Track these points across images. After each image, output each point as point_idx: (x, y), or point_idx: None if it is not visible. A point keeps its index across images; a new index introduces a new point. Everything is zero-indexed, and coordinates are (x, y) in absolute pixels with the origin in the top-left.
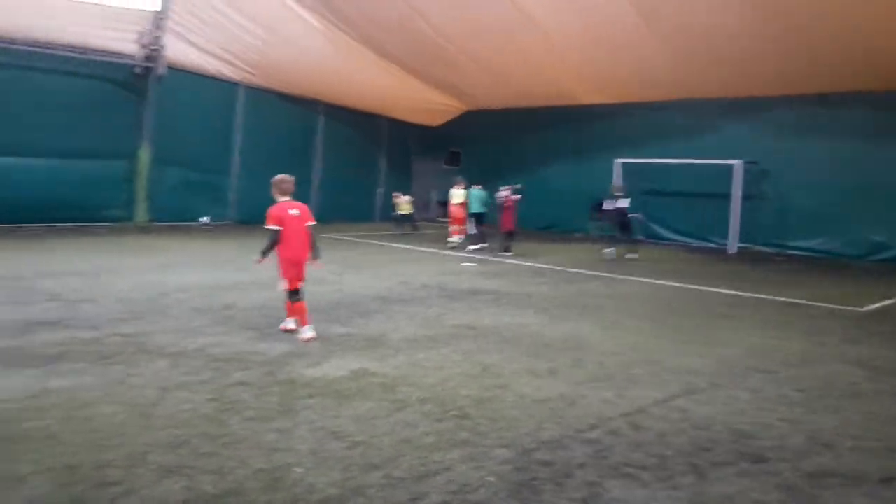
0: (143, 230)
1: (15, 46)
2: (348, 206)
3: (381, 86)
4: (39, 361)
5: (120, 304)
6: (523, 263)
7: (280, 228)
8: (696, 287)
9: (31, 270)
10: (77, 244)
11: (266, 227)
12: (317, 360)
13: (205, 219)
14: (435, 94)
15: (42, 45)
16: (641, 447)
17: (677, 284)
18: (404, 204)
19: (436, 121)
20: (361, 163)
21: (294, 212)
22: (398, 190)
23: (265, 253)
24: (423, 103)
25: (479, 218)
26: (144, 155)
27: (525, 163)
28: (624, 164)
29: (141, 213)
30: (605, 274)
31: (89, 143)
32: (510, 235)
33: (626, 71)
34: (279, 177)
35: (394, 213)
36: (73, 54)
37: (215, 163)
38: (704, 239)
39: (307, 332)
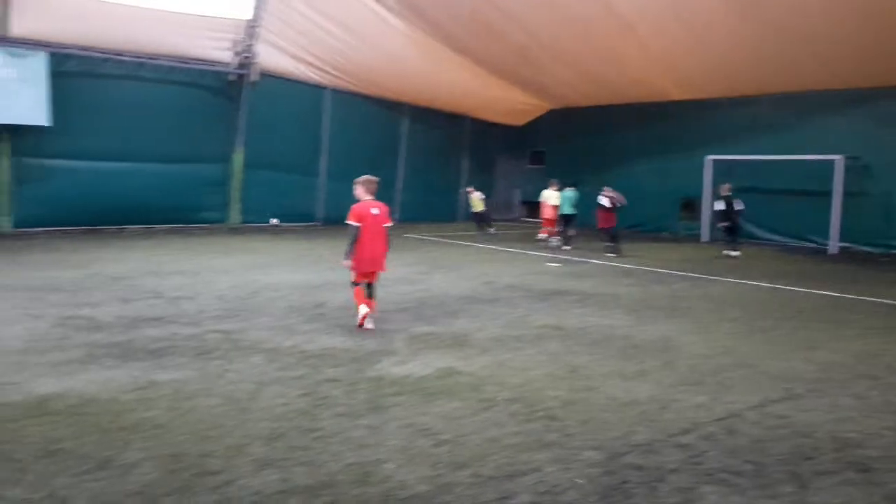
0: (236, 231)
1: (124, 58)
2: (432, 206)
3: (464, 86)
4: (145, 356)
5: (217, 301)
6: (610, 264)
7: (360, 225)
8: (793, 288)
9: (136, 270)
10: (176, 245)
11: (347, 222)
12: (404, 358)
13: (274, 220)
14: (519, 93)
15: (147, 55)
16: (737, 453)
17: (774, 285)
18: (476, 200)
19: (519, 120)
20: (445, 163)
21: (374, 210)
22: (473, 186)
23: (349, 251)
24: (507, 103)
25: (567, 220)
26: (238, 159)
27: (610, 161)
28: (715, 161)
29: (234, 215)
30: (696, 274)
31: (188, 149)
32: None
33: (717, 65)
34: (364, 177)
35: (471, 212)
36: (174, 63)
37: (304, 165)
38: (803, 238)
39: (368, 324)
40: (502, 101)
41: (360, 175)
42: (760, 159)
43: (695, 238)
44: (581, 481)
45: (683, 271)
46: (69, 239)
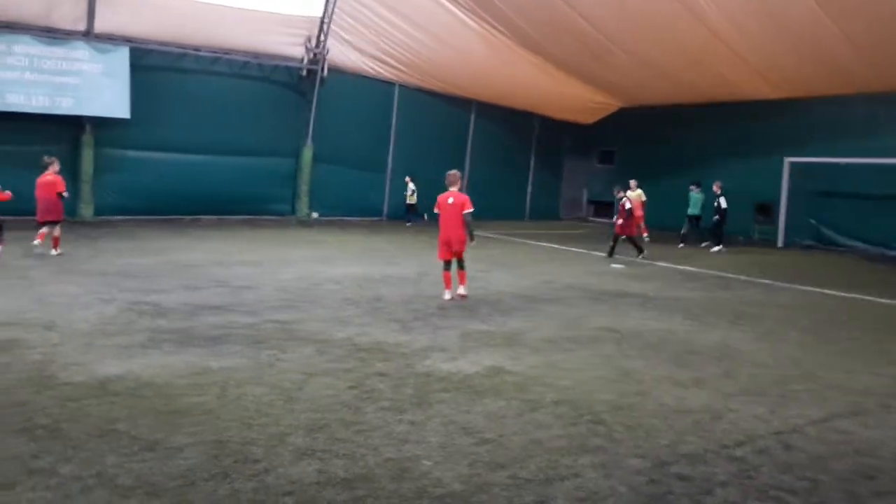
0: (304, 224)
1: (201, 53)
2: (498, 203)
3: (534, 84)
4: (203, 342)
5: (278, 292)
6: (675, 266)
7: (439, 213)
8: (871, 299)
9: (205, 259)
10: (245, 236)
11: (434, 211)
12: (454, 355)
13: (315, 214)
14: (589, 91)
15: (223, 51)
16: (793, 469)
17: (850, 295)
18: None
19: (589, 118)
20: (512, 161)
21: (451, 200)
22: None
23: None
24: (577, 101)
25: (694, 221)
26: (307, 153)
27: (683, 161)
28: (794, 163)
29: (302, 207)
30: (766, 280)
31: (259, 142)
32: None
33: (800, 62)
34: (449, 171)
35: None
36: (248, 59)
37: (371, 160)
38: (886, 246)
39: (445, 295)
40: (572, 99)
41: (427, 171)
42: (849, 162)
43: (770, 242)
44: (622, 489)
45: (753, 276)
46: (146, 227)
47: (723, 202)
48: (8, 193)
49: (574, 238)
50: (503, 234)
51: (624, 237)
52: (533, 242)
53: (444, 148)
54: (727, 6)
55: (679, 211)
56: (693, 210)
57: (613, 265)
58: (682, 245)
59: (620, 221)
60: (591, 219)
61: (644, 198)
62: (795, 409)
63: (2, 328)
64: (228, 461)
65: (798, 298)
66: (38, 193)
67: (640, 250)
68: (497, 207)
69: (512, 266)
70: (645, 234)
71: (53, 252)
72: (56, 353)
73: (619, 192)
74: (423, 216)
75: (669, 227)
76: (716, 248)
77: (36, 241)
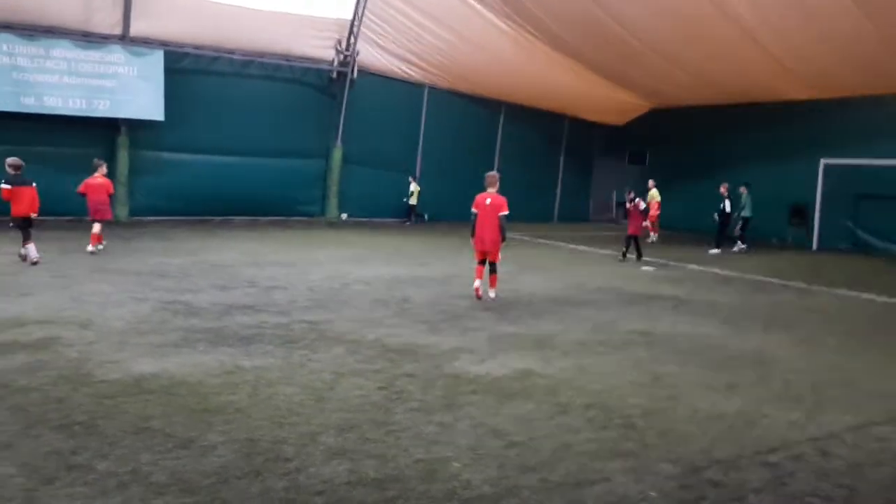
0: (333, 225)
1: (234, 56)
2: (527, 206)
3: (564, 85)
4: (235, 342)
5: (308, 292)
6: (708, 270)
7: (476, 212)
8: None
9: (237, 259)
10: (276, 236)
11: (472, 209)
12: (483, 357)
13: (344, 215)
14: (620, 92)
15: (255, 54)
16: (829, 477)
17: (887, 299)
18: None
19: (619, 119)
20: (541, 162)
21: (488, 201)
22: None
23: (472, 230)
24: (608, 102)
25: (746, 223)
26: (337, 154)
27: (715, 163)
28: (829, 164)
29: (332, 209)
30: (802, 284)
31: (290, 144)
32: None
33: (835, 62)
34: (488, 172)
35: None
36: (279, 61)
37: (400, 162)
38: None
39: (475, 283)
40: (603, 100)
41: (456, 173)
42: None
43: (804, 245)
44: (653, 494)
45: (789, 280)
46: (178, 228)
47: (727, 205)
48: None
49: (603, 240)
50: (532, 237)
51: (633, 237)
52: (562, 244)
53: (472, 150)
54: (760, 5)
55: (709, 212)
56: (746, 212)
57: (644, 267)
58: (743, 247)
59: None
60: (621, 221)
61: (659, 198)
62: (832, 415)
63: (40, 326)
64: (260, 459)
65: (834, 302)
66: (90, 194)
67: (627, 255)
68: (526, 209)
69: (541, 268)
70: (654, 234)
71: (91, 248)
72: (92, 350)
73: (630, 194)
74: (423, 216)
75: (701, 228)
76: (714, 251)
77: (90, 247)
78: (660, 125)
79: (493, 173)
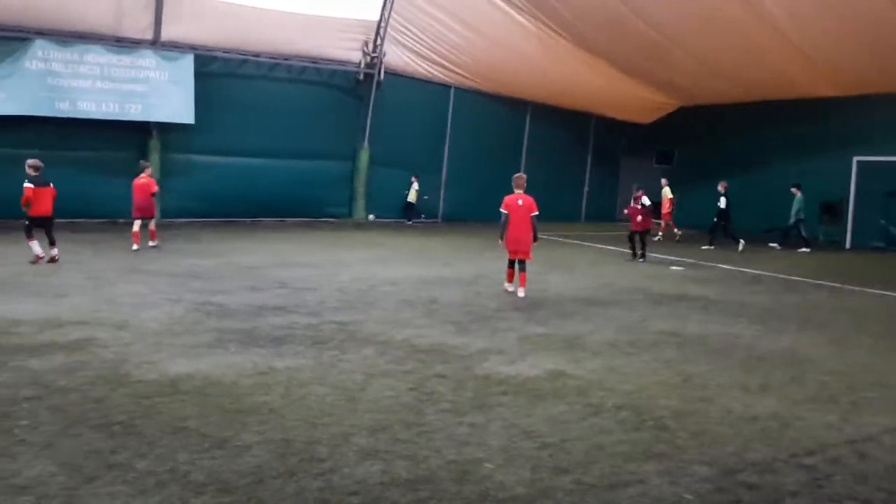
0: (360, 226)
1: (261, 59)
2: (553, 205)
3: (590, 84)
4: (267, 343)
5: (337, 293)
6: (737, 269)
7: (508, 213)
8: None
9: (266, 261)
10: (304, 238)
11: (500, 210)
12: (513, 357)
13: (371, 216)
14: (647, 90)
15: (282, 56)
16: (868, 480)
17: None
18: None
19: (646, 118)
20: (567, 162)
21: (520, 202)
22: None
23: (501, 232)
24: (634, 100)
25: (799, 223)
26: (364, 156)
27: (744, 161)
28: (862, 162)
29: (359, 210)
30: (834, 283)
31: (317, 146)
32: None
33: (865, 58)
34: (516, 174)
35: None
36: (306, 64)
37: (426, 162)
38: None
39: (507, 287)
40: (629, 99)
41: (482, 173)
42: None
43: (836, 244)
44: (689, 497)
45: (820, 279)
46: (209, 230)
47: (722, 202)
48: None
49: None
50: (559, 236)
51: (640, 234)
52: (589, 244)
53: (499, 149)
54: (790, 1)
55: (739, 212)
56: (802, 213)
57: (672, 267)
58: (807, 249)
59: (640, 219)
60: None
61: (671, 195)
62: (869, 416)
63: (76, 327)
64: (295, 460)
65: (868, 302)
66: (135, 194)
67: (643, 255)
68: (553, 209)
69: (569, 268)
70: (662, 233)
71: (151, 243)
72: (128, 351)
73: (638, 192)
74: (421, 216)
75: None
76: (706, 247)
77: (135, 247)
78: (688, 123)
79: (522, 175)
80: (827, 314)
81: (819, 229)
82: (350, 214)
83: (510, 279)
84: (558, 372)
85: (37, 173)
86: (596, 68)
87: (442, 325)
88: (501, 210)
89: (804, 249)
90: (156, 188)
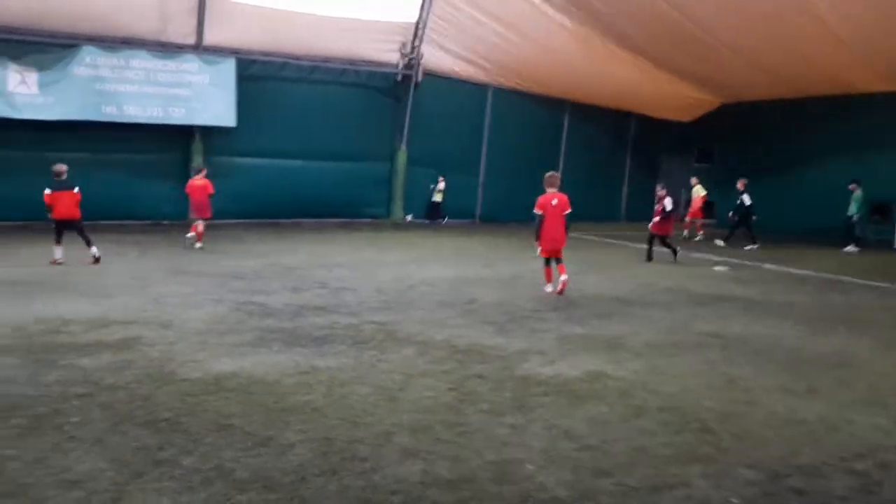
0: (398, 227)
1: (301, 62)
2: (592, 205)
3: (630, 82)
4: (308, 342)
5: (376, 293)
6: (782, 269)
7: (543, 214)
8: None
9: (306, 261)
10: (343, 239)
11: (534, 211)
12: (552, 358)
13: (409, 217)
14: (688, 88)
15: (322, 59)
16: None
17: None
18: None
19: (687, 116)
20: (606, 161)
21: (554, 201)
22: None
23: (536, 232)
24: (675, 99)
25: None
26: (401, 156)
27: (788, 159)
28: None
29: (397, 210)
30: (884, 284)
31: (356, 147)
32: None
33: None
34: (548, 173)
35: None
36: (345, 66)
37: (464, 163)
38: None
39: (548, 288)
40: (670, 97)
41: (520, 173)
42: None
43: (887, 244)
44: (736, 501)
45: (869, 280)
46: (250, 231)
47: (746, 199)
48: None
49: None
50: (598, 237)
51: (660, 237)
52: (629, 244)
53: (537, 149)
54: None
55: (784, 211)
56: (861, 210)
57: (716, 267)
58: (854, 248)
59: (657, 220)
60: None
61: (703, 193)
62: None
63: (123, 326)
64: (337, 459)
65: None
66: (192, 195)
67: (675, 252)
68: (591, 209)
69: (608, 268)
70: (700, 233)
71: (198, 245)
72: (173, 350)
73: (661, 190)
74: (444, 217)
75: (774, 228)
76: (750, 247)
77: (190, 234)
78: (729, 121)
79: (555, 173)
80: (876, 315)
81: (868, 228)
82: (388, 215)
83: (549, 279)
84: (599, 373)
85: (58, 178)
86: (635, 66)
87: (480, 325)
88: (536, 211)
89: (851, 248)
90: (212, 190)
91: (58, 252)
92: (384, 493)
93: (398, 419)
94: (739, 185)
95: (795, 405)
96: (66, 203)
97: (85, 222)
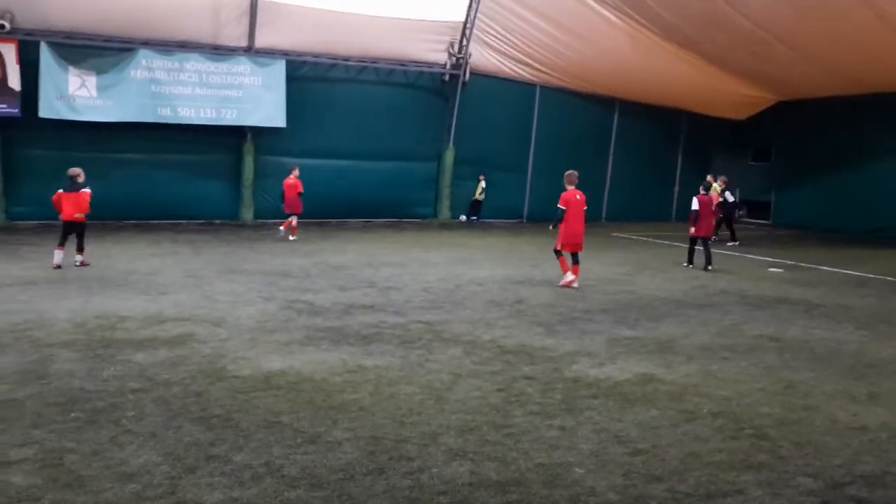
0: (445, 226)
1: (350, 62)
2: (642, 204)
3: (682, 80)
4: (356, 341)
5: (423, 293)
6: (841, 271)
7: (565, 209)
8: None
9: (354, 260)
10: (390, 238)
11: (558, 206)
12: (602, 360)
13: (462, 217)
14: (743, 85)
15: (370, 59)
16: None
17: None
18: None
19: (742, 114)
20: (657, 160)
21: (578, 197)
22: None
23: (555, 224)
24: (729, 96)
25: None
26: (449, 156)
27: (849, 158)
28: None
29: (443, 210)
30: None
31: (403, 147)
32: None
33: None
34: (568, 171)
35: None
36: (393, 66)
37: (512, 163)
38: None
39: (566, 278)
40: (724, 95)
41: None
42: None
43: None
44: None
45: None
46: (299, 230)
47: (729, 196)
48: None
49: (726, 240)
50: (648, 237)
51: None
52: (681, 245)
53: (585, 148)
54: None
55: (845, 211)
56: None
57: (770, 269)
58: None
59: (694, 220)
60: (744, 219)
61: (718, 192)
62: None
63: (176, 323)
64: (384, 458)
65: None
66: (286, 192)
67: (707, 263)
68: (642, 208)
69: (660, 269)
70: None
71: (292, 237)
72: (225, 347)
73: (705, 188)
74: (476, 217)
75: (834, 228)
76: (731, 243)
77: (281, 228)
78: (787, 119)
79: (574, 171)
80: None
81: None
82: (435, 214)
83: (566, 269)
84: (649, 376)
85: (71, 181)
86: (687, 63)
87: (529, 326)
88: (559, 206)
89: None
90: (301, 188)
91: (57, 256)
92: (431, 493)
93: (445, 419)
94: (720, 183)
95: (857, 412)
96: (72, 204)
97: (140, 221)
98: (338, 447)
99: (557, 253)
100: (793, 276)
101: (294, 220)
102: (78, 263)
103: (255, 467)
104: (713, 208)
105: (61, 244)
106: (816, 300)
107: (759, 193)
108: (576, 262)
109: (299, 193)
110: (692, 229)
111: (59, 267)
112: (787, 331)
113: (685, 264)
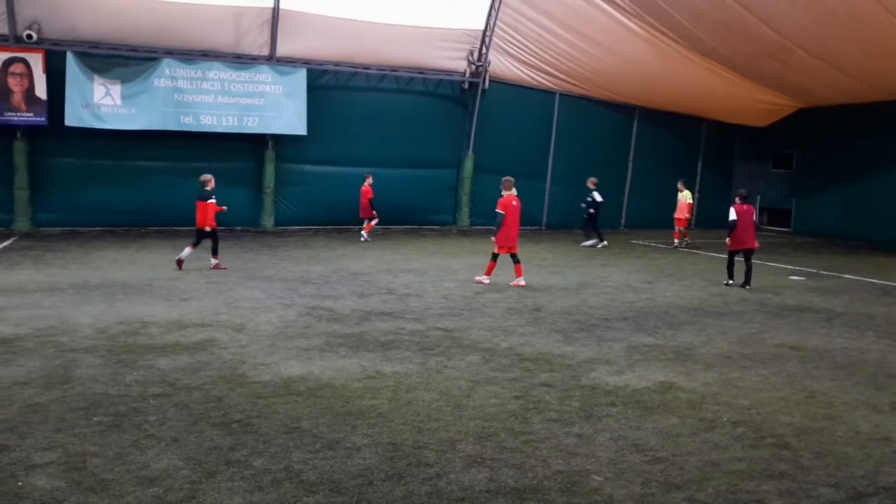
0: (465, 234)
1: (370, 71)
2: (662, 211)
3: (702, 87)
4: (375, 347)
5: (442, 300)
6: (863, 279)
7: (504, 213)
8: None
9: (373, 267)
10: (410, 245)
11: (496, 210)
12: (620, 368)
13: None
14: (764, 92)
15: (390, 68)
16: None
17: None
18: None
19: (763, 121)
20: (676, 167)
21: (514, 203)
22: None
23: (496, 231)
24: (750, 103)
25: None
26: (468, 164)
27: (871, 165)
28: None
29: (463, 217)
30: None
31: (423, 154)
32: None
33: None
34: (505, 177)
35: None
36: (413, 74)
37: (531, 169)
38: None
39: (482, 278)
40: (744, 102)
41: (585, 180)
42: None
43: None
44: None
45: None
46: (319, 237)
47: (597, 196)
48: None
49: (588, 239)
50: (668, 244)
51: (741, 252)
52: (701, 252)
53: (605, 155)
54: None
55: (867, 218)
56: None
57: (791, 277)
58: None
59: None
60: (765, 227)
61: (690, 200)
62: None
63: (198, 329)
64: (402, 464)
65: None
66: (361, 199)
67: (746, 280)
68: (661, 215)
69: (679, 277)
70: (677, 240)
71: (364, 238)
72: (245, 353)
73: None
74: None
75: (856, 235)
76: (589, 243)
77: (364, 233)
78: (809, 126)
79: (510, 178)
80: None
81: None
82: (454, 222)
83: (490, 273)
84: (668, 384)
85: (203, 187)
86: (709, 71)
87: (547, 333)
88: (498, 211)
89: None
90: (371, 194)
91: (184, 252)
92: (450, 499)
93: (463, 426)
94: (590, 183)
95: (880, 422)
96: (200, 214)
97: (163, 228)
98: (356, 453)
99: (494, 256)
100: (814, 285)
101: (373, 223)
102: (212, 266)
103: (274, 472)
104: (753, 219)
105: (194, 244)
106: (838, 308)
107: (779, 201)
108: (516, 261)
109: (369, 199)
110: (728, 241)
111: (179, 261)
112: (809, 339)
113: (725, 282)
